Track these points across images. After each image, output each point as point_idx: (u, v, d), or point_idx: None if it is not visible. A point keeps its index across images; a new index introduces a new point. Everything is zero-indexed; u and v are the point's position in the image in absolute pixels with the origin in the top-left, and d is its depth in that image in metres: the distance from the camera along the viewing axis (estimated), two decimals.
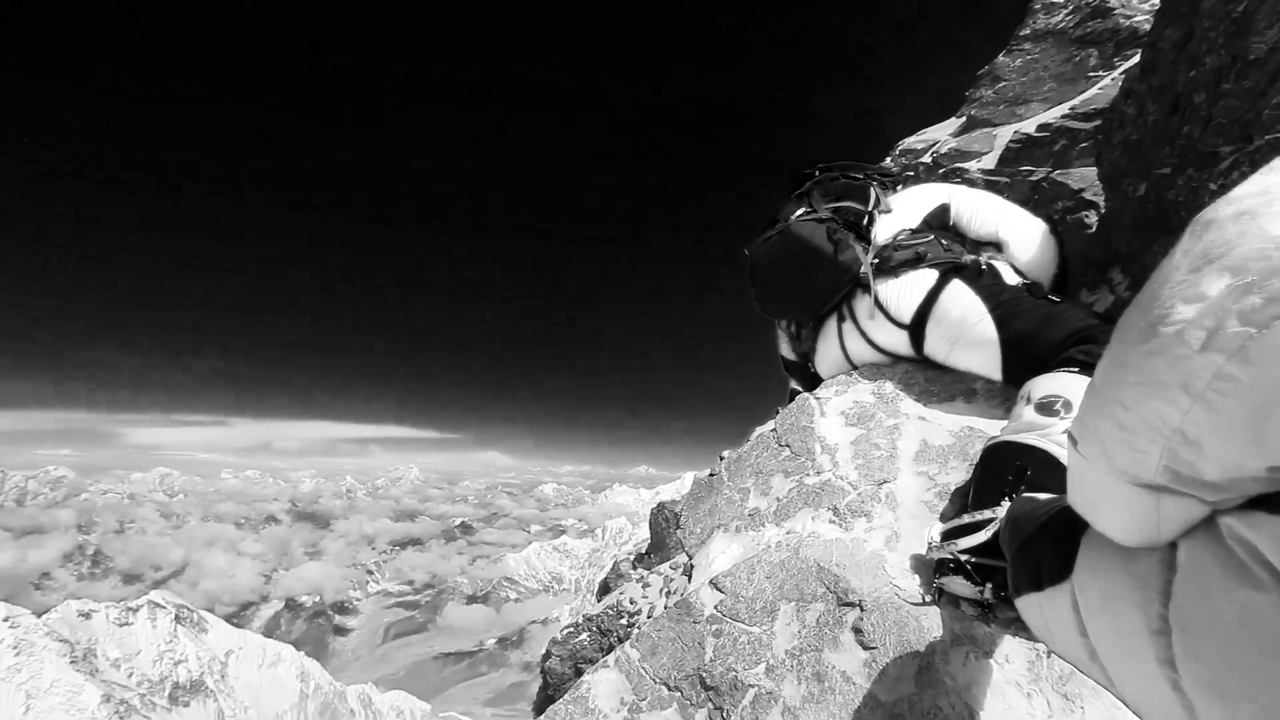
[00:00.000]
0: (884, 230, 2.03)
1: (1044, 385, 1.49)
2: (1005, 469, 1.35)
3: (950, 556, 1.31)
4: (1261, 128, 1.95)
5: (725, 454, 2.68)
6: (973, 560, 1.24)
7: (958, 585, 1.33)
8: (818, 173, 2.27)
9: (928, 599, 1.39)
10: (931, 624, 1.35)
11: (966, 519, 1.33)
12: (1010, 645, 1.30)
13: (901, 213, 2.06)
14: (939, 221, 2.05)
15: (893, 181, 2.22)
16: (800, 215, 2.09)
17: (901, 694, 1.25)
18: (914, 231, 2.00)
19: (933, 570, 1.40)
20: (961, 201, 2.07)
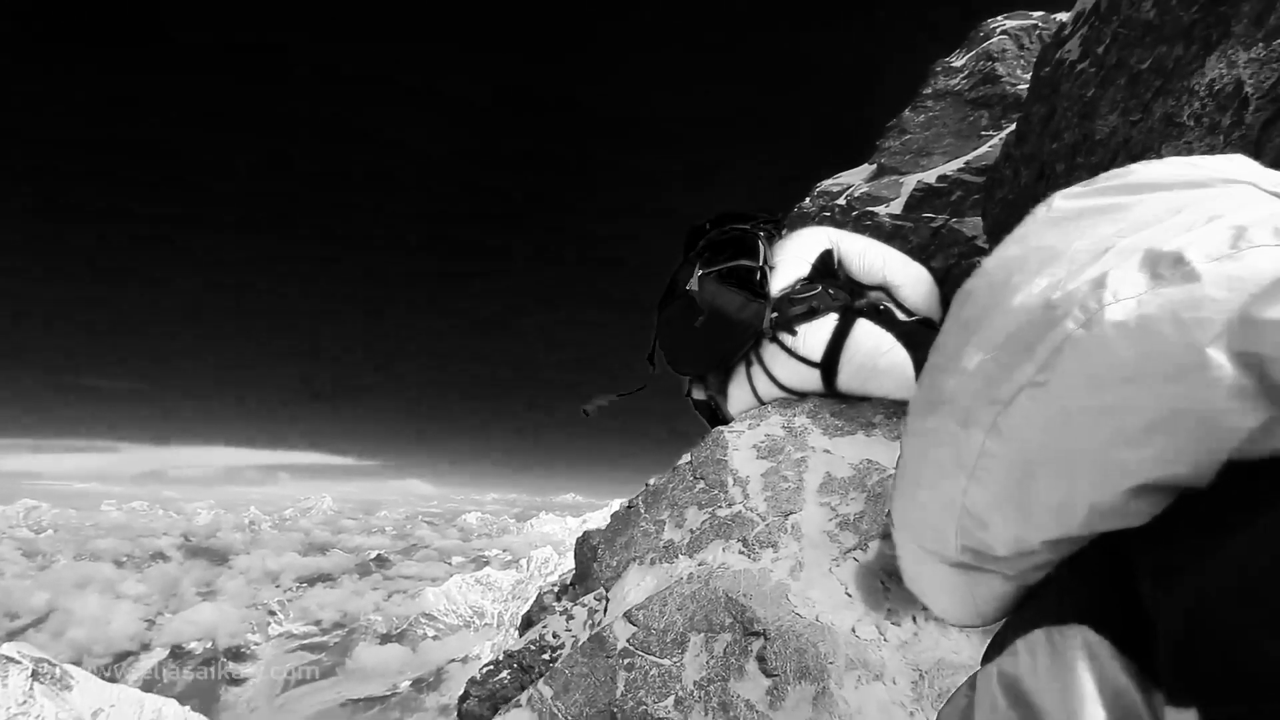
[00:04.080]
0: (779, 282, 2.22)
1: None
2: None
3: None
4: None
5: (651, 481, 2.73)
6: None
7: None
8: (708, 226, 2.45)
9: None
10: (828, 650, 1.43)
11: None
12: (896, 668, 1.40)
13: (791, 262, 2.27)
14: (825, 265, 2.27)
15: (778, 226, 2.43)
16: (699, 277, 2.26)
17: (800, 719, 1.31)
18: (806, 282, 2.21)
19: None
20: (846, 246, 2.32)
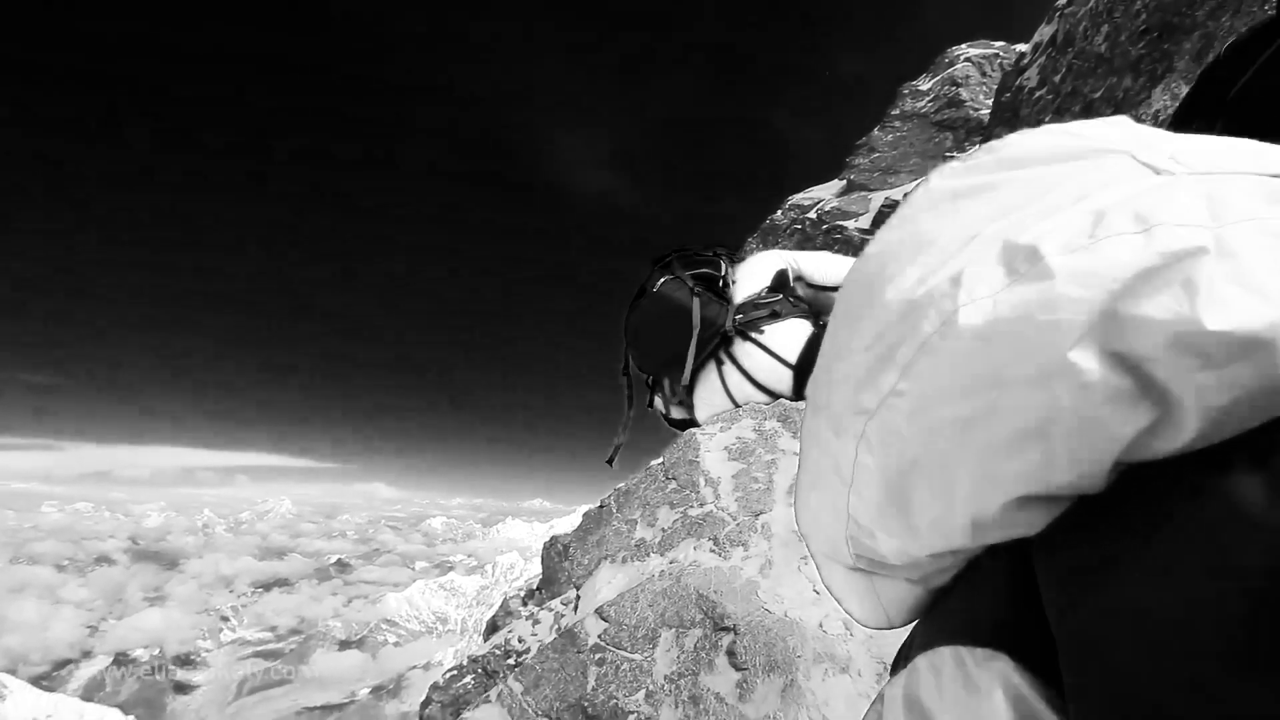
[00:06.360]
0: (741, 292, 2.35)
1: None
2: None
3: None
4: None
5: (622, 484, 2.76)
6: None
7: None
8: (672, 253, 2.57)
9: None
10: (796, 643, 1.47)
11: None
12: (862, 661, 1.45)
13: (751, 277, 2.41)
14: (781, 282, 2.41)
15: (736, 256, 2.57)
16: (664, 281, 2.38)
17: (768, 711, 1.35)
18: (769, 290, 2.33)
19: None
20: (803, 261, 2.46)
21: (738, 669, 1.43)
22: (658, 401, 2.62)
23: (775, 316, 2.27)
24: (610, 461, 2.65)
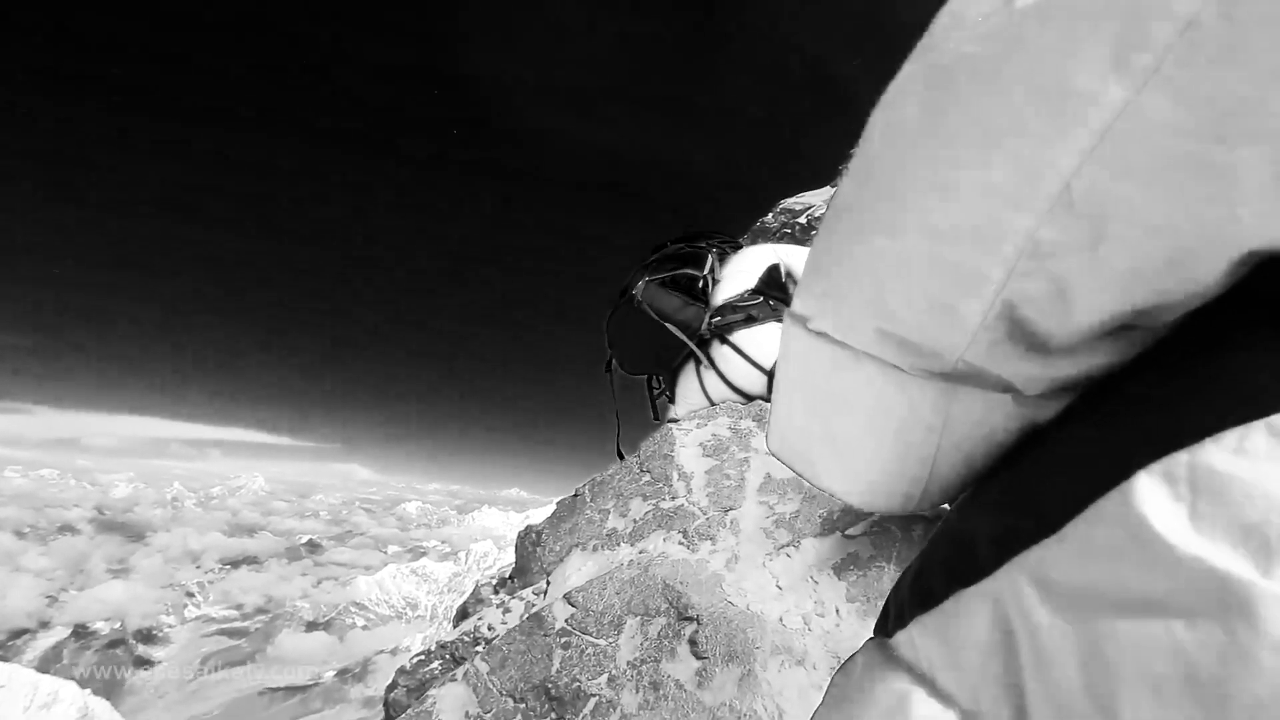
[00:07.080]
0: (726, 291, 2.39)
1: None
2: None
3: None
4: None
5: (595, 477, 2.81)
6: None
7: None
8: (669, 244, 2.60)
9: None
10: (756, 636, 1.52)
11: None
12: (817, 654, 1.50)
13: (741, 275, 2.44)
14: (772, 279, 2.43)
15: (734, 246, 2.58)
16: (643, 285, 2.44)
17: (724, 699, 1.40)
18: (752, 292, 2.37)
19: None
20: (793, 258, 2.49)
21: (698, 658, 1.48)
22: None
23: (750, 321, 2.30)
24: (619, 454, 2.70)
